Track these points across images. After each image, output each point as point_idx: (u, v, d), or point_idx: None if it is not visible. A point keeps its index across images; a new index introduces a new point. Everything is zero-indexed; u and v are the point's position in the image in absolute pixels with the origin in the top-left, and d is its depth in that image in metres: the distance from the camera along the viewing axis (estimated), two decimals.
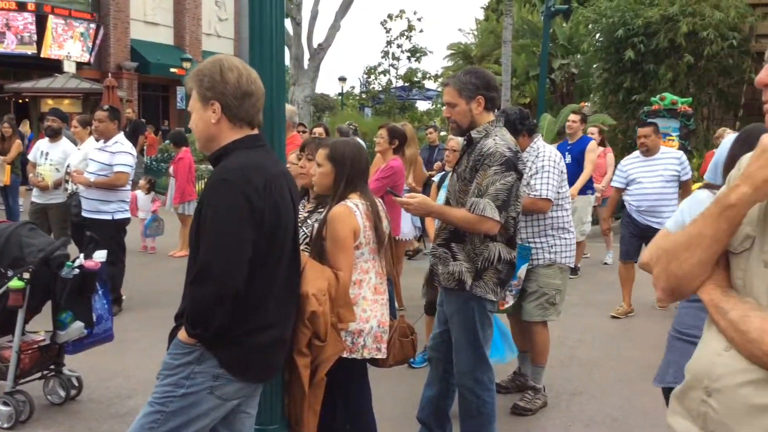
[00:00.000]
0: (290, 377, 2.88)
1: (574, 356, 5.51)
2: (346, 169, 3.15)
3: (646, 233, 6.16)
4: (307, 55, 19.94)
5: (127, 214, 6.52)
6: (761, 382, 1.32)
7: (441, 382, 3.71)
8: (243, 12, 35.13)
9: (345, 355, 3.03)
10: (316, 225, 3.26)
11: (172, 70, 27.77)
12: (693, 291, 1.49)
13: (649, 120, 7.01)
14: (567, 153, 7.51)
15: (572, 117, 8.04)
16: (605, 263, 9.02)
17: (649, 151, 6.33)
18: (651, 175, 6.35)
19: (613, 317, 6.55)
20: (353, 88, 37.92)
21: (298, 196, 2.70)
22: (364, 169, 3.25)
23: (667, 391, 2.49)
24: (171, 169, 9.88)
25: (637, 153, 6.53)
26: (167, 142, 12.12)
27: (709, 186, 2.81)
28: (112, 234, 6.13)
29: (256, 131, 2.48)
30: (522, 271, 4.19)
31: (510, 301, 4.24)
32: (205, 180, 10.52)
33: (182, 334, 2.33)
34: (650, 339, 5.69)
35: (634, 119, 14.01)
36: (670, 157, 6.43)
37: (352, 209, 3.08)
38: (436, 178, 5.97)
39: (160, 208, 9.89)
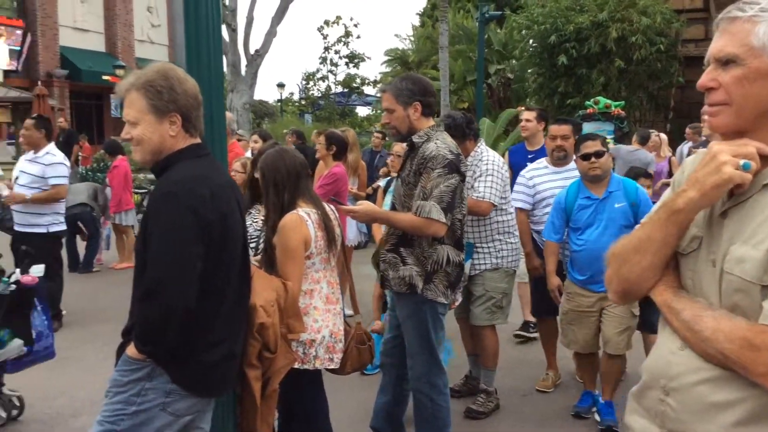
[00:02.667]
0: (242, 390, 2.83)
1: (523, 358, 5.59)
2: (269, 178, 3.12)
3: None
4: (244, 62, 19.76)
5: (63, 226, 6.30)
6: (717, 380, 1.36)
7: (394, 388, 3.71)
8: (177, 18, 34.43)
9: (297, 366, 3.01)
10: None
11: (105, 77, 27.03)
12: (645, 293, 1.53)
13: (567, 120, 5.17)
14: (530, 163, 5.23)
15: (526, 114, 5.78)
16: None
17: (566, 158, 4.75)
18: None
19: (540, 391, 4.86)
20: (292, 94, 37.74)
21: (244, 206, 2.67)
22: (294, 172, 3.14)
23: None
24: (108, 179, 9.65)
25: (544, 161, 4.92)
26: (102, 151, 11.78)
27: None
28: (47, 247, 5.92)
29: (199, 140, 2.43)
30: (466, 268, 4.23)
31: (459, 299, 4.27)
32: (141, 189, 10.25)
33: (131, 350, 2.27)
34: None
35: None
36: None
37: (304, 218, 3.06)
38: (382, 183, 5.99)
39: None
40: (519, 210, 4.76)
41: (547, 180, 4.78)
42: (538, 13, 15.75)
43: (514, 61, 22.04)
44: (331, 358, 3.15)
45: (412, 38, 31.69)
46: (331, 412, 3.36)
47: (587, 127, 11.02)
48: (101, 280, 8.60)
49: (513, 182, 4.97)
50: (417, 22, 34.41)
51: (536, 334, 5.52)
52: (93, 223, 8.88)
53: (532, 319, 5.63)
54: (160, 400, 2.28)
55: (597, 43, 14.55)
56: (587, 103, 11.63)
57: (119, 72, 23.95)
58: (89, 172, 14.08)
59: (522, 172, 4.96)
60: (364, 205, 3.49)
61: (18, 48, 25.18)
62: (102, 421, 2.30)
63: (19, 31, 25.24)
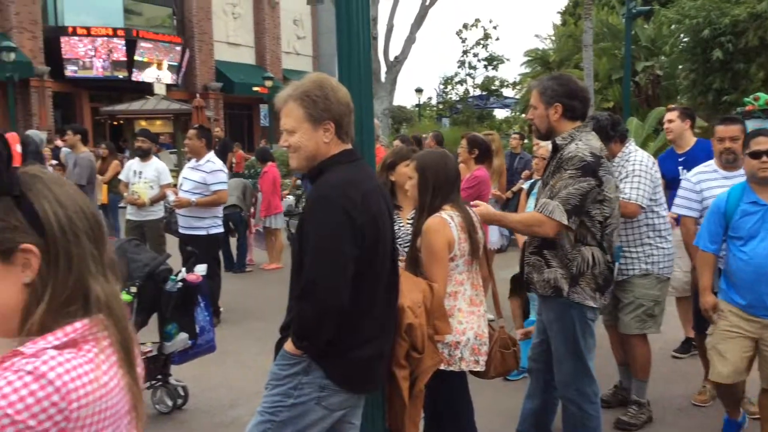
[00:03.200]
0: (390, 389, 2.91)
1: (678, 369, 5.29)
2: (429, 180, 3.16)
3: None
4: (384, 69, 20.16)
5: (221, 229, 6.75)
6: None
7: (543, 394, 3.65)
8: (322, 29, 35.98)
9: (443, 367, 3.04)
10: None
11: (255, 88, 28.61)
12: None
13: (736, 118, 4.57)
14: (682, 168, 5.07)
15: (669, 115, 5.31)
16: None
17: (736, 162, 4.26)
18: None
19: (696, 405, 4.61)
20: (430, 99, 38.05)
21: (392, 209, 2.75)
22: (452, 178, 3.22)
23: None
24: (259, 184, 10.20)
25: (713, 164, 4.43)
26: (253, 158, 12.49)
27: None
28: (207, 248, 6.34)
29: (350, 146, 2.53)
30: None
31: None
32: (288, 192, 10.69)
33: (289, 346, 2.40)
34: None
35: None
36: None
37: (447, 221, 3.10)
38: (525, 186, 5.92)
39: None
40: (685, 218, 4.36)
41: (717, 185, 4.26)
42: (690, 6, 14.95)
43: (663, 57, 21.01)
44: (476, 360, 3.16)
45: (553, 38, 30.99)
46: (475, 416, 3.37)
47: (747, 125, 10.29)
48: (253, 279, 9.09)
49: (669, 195, 4.62)
50: (558, 20, 33.60)
51: (695, 352, 5.18)
52: (242, 223, 9.41)
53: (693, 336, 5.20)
54: (316, 395, 2.40)
55: (756, 36, 13.60)
56: (746, 99, 10.85)
57: (268, 83, 25.25)
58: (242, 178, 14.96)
59: (687, 176, 4.53)
60: (482, 206, 3.47)
61: (177, 63, 27.22)
62: (262, 411, 2.46)
63: (178, 48, 27.27)
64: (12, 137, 1.15)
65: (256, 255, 10.03)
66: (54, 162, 12.06)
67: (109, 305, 1.17)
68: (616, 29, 22.64)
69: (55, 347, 1.08)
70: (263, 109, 28.14)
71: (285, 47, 33.28)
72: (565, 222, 3.15)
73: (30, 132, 8.01)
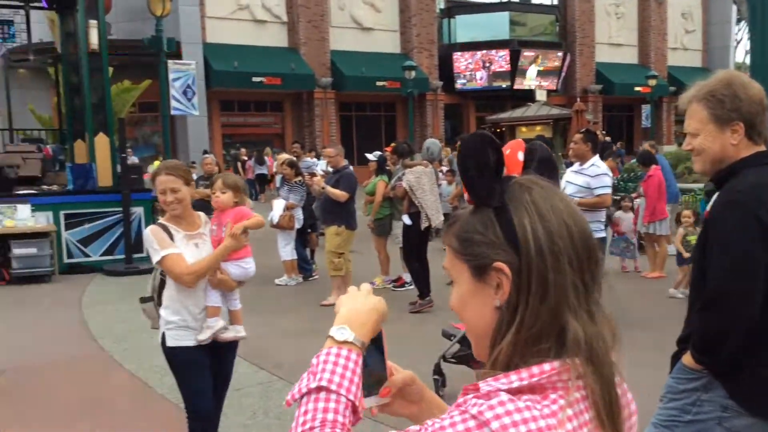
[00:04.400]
0: None
1: None
2: None
3: None
4: None
5: (603, 234, 6.67)
6: None
7: None
8: (711, 20, 33.11)
9: None
10: None
11: (636, 88, 27.62)
12: None
13: None
14: None
15: None
16: None
17: None
18: None
19: None
20: None
21: None
22: None
23: None
24: (640, 189, 9.84)
25: None
26: (633, 161, 12.08)
27: None
28: None
29: (764, 147, 2.31)
30: None
31: None
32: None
33: (687, 359, 2.30)
34: None
35: None
36: None
37: None
38: None
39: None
40: None
41: None
42: None
43: None
44: None
45: None
46: None
47: None
48: (632, 286, 8.79)
49: None
50: None
51: None
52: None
53: None
54: (716, 414, 2.25)
55: None
56: None
57: (651, 82, 24.16)
58: (620, 183, 14.59)
59: None
60: None
61: (558, 69, 27.66)
62: (657, 423, 2.39)
63: (559, 53, 27.70)
64: (515, 144, 1.10)
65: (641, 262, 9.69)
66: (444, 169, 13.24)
67: (591, 348, 0.97)
68: None
69: (511, 389, 0.94)
70: (645, 109, 27.02)
71: (671, 43, 31.47)
72: None
73: (428, 141, 8.90)
